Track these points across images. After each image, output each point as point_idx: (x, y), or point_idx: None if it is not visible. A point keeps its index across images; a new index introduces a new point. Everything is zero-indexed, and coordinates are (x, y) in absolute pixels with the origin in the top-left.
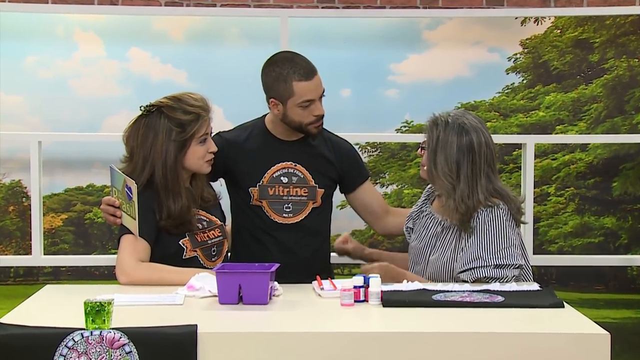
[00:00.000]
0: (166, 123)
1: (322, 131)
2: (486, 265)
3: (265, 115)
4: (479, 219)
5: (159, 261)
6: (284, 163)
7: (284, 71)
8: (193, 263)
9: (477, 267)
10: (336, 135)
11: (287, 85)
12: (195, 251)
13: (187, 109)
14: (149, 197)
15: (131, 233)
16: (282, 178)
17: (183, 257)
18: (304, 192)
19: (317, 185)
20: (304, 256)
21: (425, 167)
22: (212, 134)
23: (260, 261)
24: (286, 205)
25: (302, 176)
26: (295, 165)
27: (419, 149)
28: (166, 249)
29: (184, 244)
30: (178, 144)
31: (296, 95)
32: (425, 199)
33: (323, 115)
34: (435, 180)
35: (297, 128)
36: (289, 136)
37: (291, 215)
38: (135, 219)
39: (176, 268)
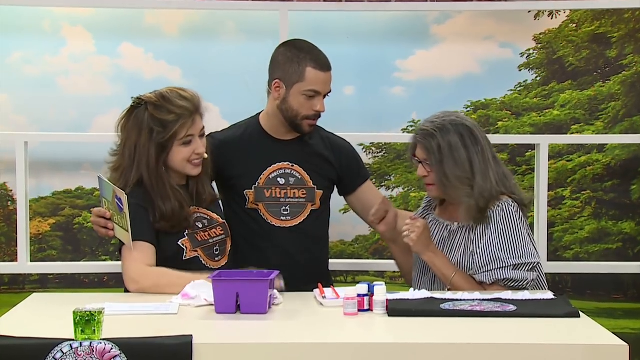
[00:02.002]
0: (149, 121)
1: (315, 130)
2: (505, 267)
3: (259, 113)
4: (491, 217)
5: (158, 264)
6: (281, 163)
7: (301, 55)
8: (194, 264)
9: (495, 269)
10: (334, 135)
11: (300, 68)
12: (196, 251)
13: (171, 108)
14: (142, 197)
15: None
16: (279, 179)
17: (183, 258)
18: (302, 194)
19: (315, 187)
20: (302, 262)
21: (434, 185)
22: (205, 135)
23: (257, 268)
24: (284, 207)
25: (299, 177)
26: (293, 166)
27: (419, 169)
28: (165, 250)
29: (183, 244)
30: (159, 145)
31: (305, 82)
32: (427, 206)
33: (320, 115)
34: (450, 190)
35: (292, 119)
36: (285, 135)
37: (289, 218)
38: (127, 231)
39: (186, 273)
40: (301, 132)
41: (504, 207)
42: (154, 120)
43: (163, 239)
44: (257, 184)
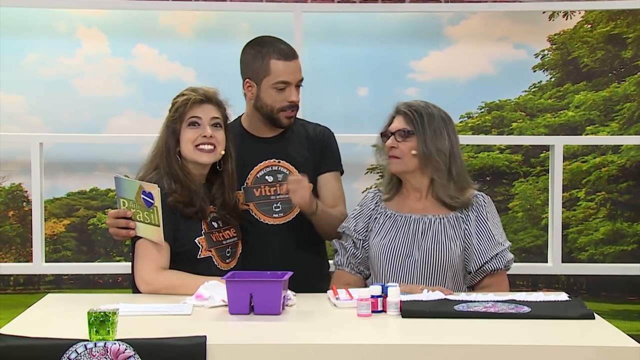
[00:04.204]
0: (169, 112)
1: (295, 123)
2: (506, 248)
3: (240, 116)
4: (479, 204)
5: (171, 259)
6: (267, 161)
7: (264, 50)
8: (206, 263)
9: (500, 253)
10: (317, 124)
11: (264, 64)
12: (210, 251)
13: (183, 92)
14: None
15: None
16: (266, 177)
17: (197, 257)
18: None
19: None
20: (300, 259)
21: (399, 159)
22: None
23: (254, 270)
24: (275, 205)
25: (287, 172)
26: (279, 162)
27: (389, 141)
28: (181, 246)
29: (199, 243)
30: (171, 129)
31: (272, 75)
32: (377, 201)
33: (297, 104)
34: (430, 162)
35: (268, 115)
36: (267, 133)
37: (282, 214)
38: (159, 226)
39: (199, 276)
40: (280, 126)
41: (483, 196)
42: (172, 108)
43: (182, 234)
44: (245, 184)
